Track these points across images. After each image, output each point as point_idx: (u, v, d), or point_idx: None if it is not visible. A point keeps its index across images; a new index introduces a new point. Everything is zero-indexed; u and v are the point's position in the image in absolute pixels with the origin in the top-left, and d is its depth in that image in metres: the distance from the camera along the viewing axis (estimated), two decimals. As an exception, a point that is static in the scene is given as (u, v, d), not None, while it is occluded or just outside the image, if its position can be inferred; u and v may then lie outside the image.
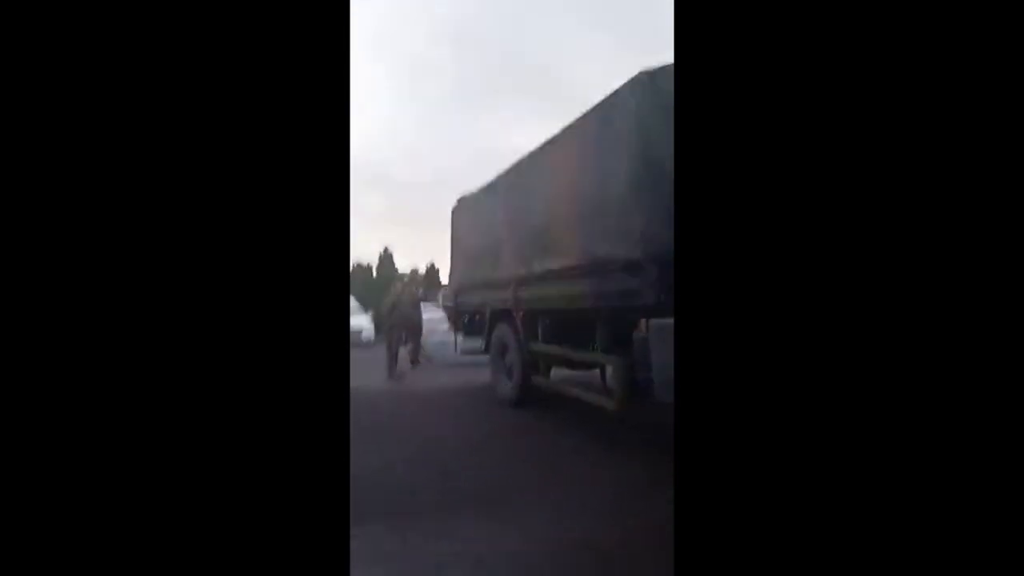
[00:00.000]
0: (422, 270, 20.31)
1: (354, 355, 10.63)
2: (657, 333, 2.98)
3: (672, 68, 2.35)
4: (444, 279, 17.39)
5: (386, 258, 19.02)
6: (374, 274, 19.48)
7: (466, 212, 6.53)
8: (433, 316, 9.52)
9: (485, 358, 6.15)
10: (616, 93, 3.50)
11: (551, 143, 4.42)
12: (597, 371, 4.93)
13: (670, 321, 2.68)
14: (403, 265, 20.39)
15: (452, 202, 6.80)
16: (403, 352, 8.16)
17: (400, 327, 7.99)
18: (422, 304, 8.23)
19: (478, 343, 7.17)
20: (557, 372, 5.29)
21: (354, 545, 1.13)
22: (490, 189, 5.75)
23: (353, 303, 15.31)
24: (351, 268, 21.04)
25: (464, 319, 7.10)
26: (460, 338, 7.35)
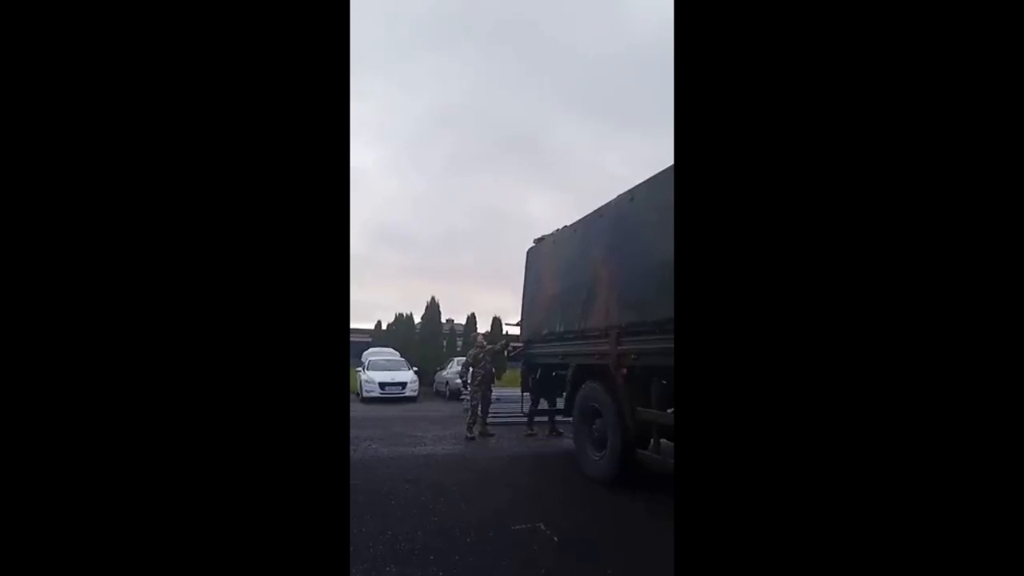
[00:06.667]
0: (459, 320, 19.58)
1: (402, 410, 9.71)
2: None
3: None
4: (482, 331, 16.84)
5: (432, 308, 18.22)
6: (416, 327, 18.80)
7: (546, 253, 5.81)
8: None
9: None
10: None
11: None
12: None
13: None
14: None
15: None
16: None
17: (484, 384, 7.20)
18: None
19: (550, 403, 6.30)
20: (668, 445, 4.32)
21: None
22: (582, 226, 5.03)
23: (396, 356, 14.63)
24: (392, 320, 20.59)
25: (534, 375, 6.22)
26: (527, 396, 6.51)
